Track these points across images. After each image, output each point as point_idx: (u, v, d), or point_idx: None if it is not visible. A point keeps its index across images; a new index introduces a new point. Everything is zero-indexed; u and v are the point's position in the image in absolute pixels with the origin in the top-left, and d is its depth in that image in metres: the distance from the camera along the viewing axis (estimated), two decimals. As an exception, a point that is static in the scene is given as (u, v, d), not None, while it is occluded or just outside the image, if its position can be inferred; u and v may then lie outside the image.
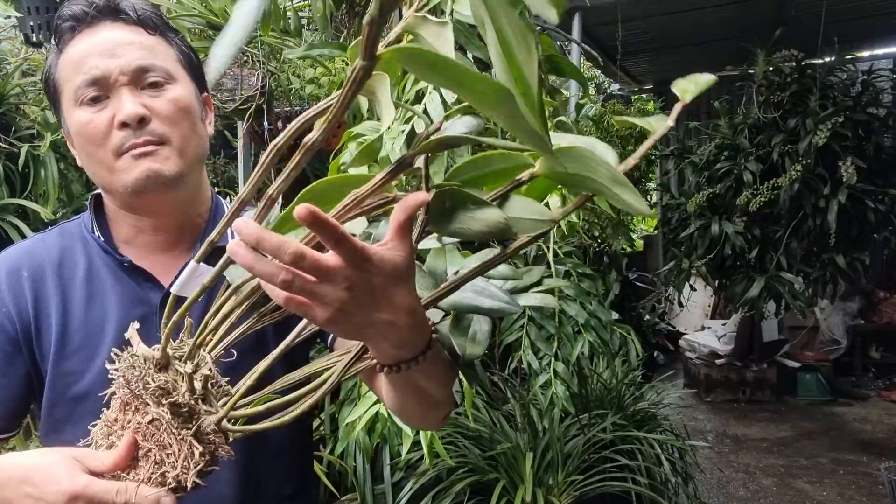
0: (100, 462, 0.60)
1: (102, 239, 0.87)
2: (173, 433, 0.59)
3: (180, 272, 0.79)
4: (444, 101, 1.54)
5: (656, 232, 6.69)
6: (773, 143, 4.45)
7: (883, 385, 5.76)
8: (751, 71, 4.66)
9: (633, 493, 2.48)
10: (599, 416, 2.75)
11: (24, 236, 2.74)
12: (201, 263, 0.64)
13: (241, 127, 2.34)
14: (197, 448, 0.59)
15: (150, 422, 0.60)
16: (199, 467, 0.59)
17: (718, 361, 5.66)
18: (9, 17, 3.15)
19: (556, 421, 2.66)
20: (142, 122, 0.79)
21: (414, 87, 1.65)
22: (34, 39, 2.92)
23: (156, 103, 0.81)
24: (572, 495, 2.40)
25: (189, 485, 0.59)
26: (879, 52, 6.30)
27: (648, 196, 5.41)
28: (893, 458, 3.78)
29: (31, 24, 2.84)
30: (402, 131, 1.61)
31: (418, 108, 1.60)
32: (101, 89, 0.80)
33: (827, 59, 4.56)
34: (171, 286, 0.80)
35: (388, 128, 1.71)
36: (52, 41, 0.86)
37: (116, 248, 0.88)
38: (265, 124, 2.33)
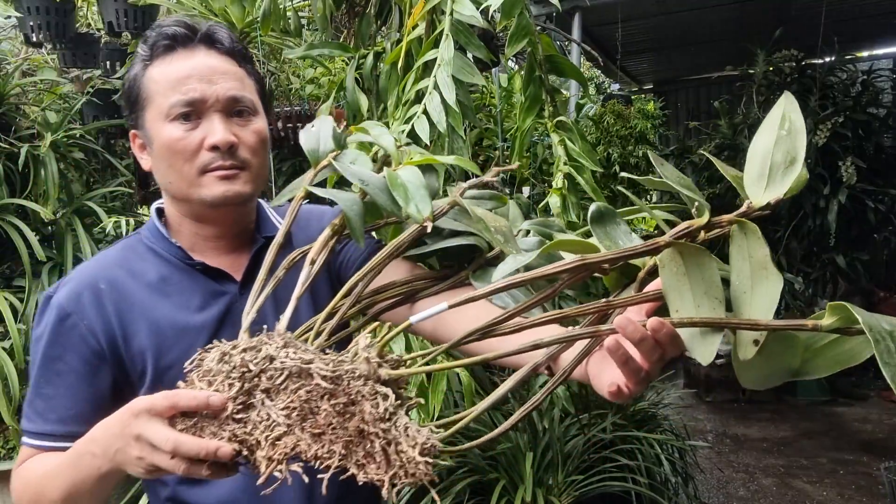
0: (192, 397, 0.64)
1: (179, 244, 0.95)
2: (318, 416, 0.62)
3: (247, 267, 0.94)
4: (444, 102, 1.54)
5: (656, 232, 6.70)
6: (773, 143, 4.46)
7: (883, 385, 5.76)
8: (751, 71, 4.66)
9: (633, 493, 2.48)
10: (599, 416, 2.75)
11: (23, 236, 2.74)
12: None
13: (241, 127, 2.34)
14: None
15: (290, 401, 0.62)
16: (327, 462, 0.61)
17: (718, 361, 5.66)
18: (9, 17, 3.15)
19: (556, 421, 2.66)
20: (231, 148, 0.89)
21: (414, 87, 1.65)
22: (34, 39, 2.92)
23: (243, 133, 0.91)
24: (572, 495, 2.40)
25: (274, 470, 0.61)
26: (879, 52, 6.30)
27: (648, 196, 5.40)
28: (893, 458, 3.78)
29: (31, 24, 2.84)
30: (403, 131, 1.61)
31: (418, 108, 1.59)
32: (195, 110, 0.88)
33: (827, 59, 4.57)
34: (241, 278, 0.94)
35: (389, 127, 1.71)
36: (140, 51, 0.93)
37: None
38: (265, 124, 2.34)
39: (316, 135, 0.89)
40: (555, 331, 0.68)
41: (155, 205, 0.99)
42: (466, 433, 2.68)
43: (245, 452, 0.63)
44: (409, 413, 0.65)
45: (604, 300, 0.65)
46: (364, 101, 2.02)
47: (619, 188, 4.21)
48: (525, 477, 2.35)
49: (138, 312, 0.90)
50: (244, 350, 0.66)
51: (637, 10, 4.64)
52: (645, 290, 0.67)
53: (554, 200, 1.78)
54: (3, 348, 2.61)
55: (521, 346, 0.67)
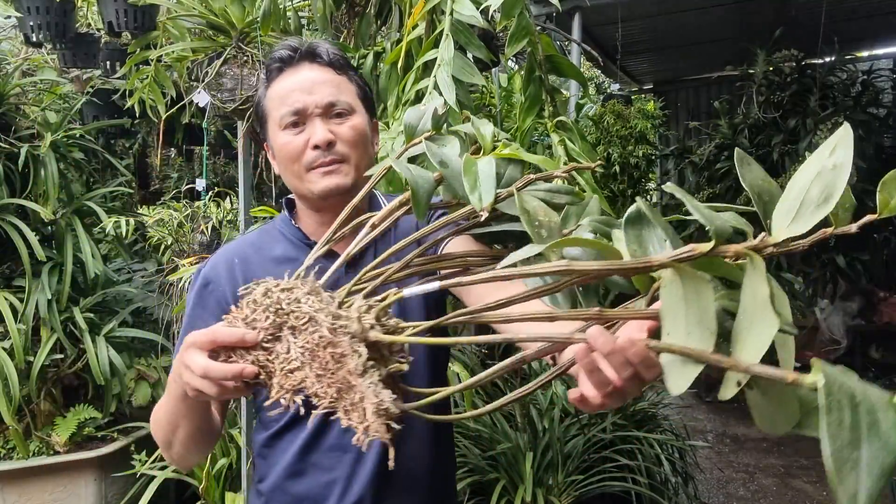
0: (228, 334, 0.75)
1: (300, 228, 1.12)
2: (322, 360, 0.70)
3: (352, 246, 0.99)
4: (444, 102, 1.54)
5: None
6: (773, 143, 4.45)
7: (883, 385, 5.75)
8: (751, 71, 4.66)
9: (633, 492, 2.48)
10: (599, 416, 2.75)
11: (23, 236, 2.74)
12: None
13: (241, 127, 2.34)
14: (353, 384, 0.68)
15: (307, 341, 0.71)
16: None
17: (718, 361, 5.65)
18: (9, 17, 3.15)
19: (556, 421, 2.66)
20: (330, 145, 1.03)
21: (414, 87, 1.65)
22: (34, 39, 2.92)
23: (340, 129, 1.05)
24: (572, 495, 2.40)
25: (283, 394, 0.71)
26: (879, 52, 6.30)
27: (648, 196, 5.40)
28: (893, 458, 3.77)
29: (31, 24, 2.84)
30: (402, 132, 1.61)
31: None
32: (300, 118, 1.04)
33: (827, 59, 4.56)
34: (346, 257, 0.99)
35: (388, 127, 1.71)
36: (262, 75, 1.13)
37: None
38: (265, 124, 2.33)
39: (420, 114, 0.97)
40: (542, 328, 0.70)
41: (287, 198, 1.17)
42: (466, 433, 2.68)
43: (262, 377, 0.73)
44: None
45: (596, 308, 0.64)
46: (364, 101, 2.02)
47: (620, 188, 4.21)
48: (525, 477, 2.36)
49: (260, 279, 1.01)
50: (283, 290, 0.75)
51: (637, 10, 4.64)
52: (649, 308, 0.67)
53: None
54: (3, 348, 2.61)
55: (513, 336, 0.69)
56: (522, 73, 1.86)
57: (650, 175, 4.68)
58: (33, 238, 2.75)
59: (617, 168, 4.16)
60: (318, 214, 1.11)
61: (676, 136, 6.24)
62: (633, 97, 5.23)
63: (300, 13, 2.37)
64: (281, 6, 2.20)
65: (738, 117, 4.77)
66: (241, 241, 1.16)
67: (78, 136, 3.13)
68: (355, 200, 0.90)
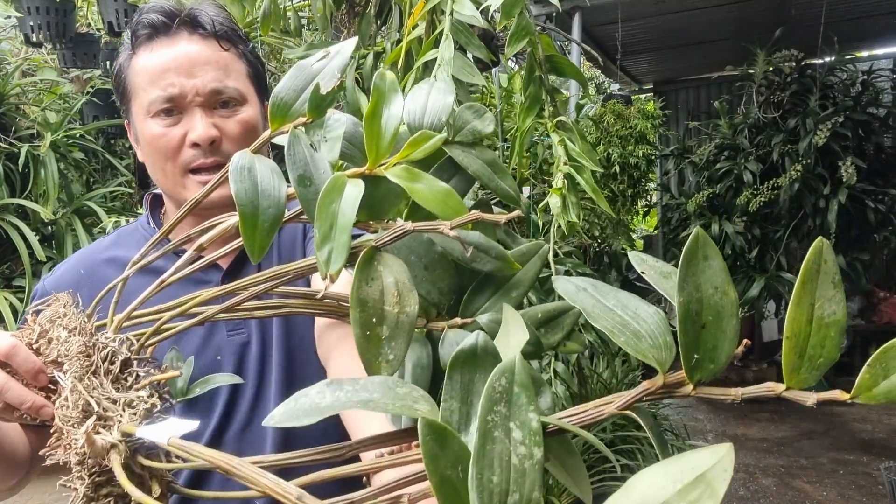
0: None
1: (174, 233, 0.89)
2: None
3: (236, 258, 0.88)
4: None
5: (656, 232, 6.70)
6: (773, 143, 4.45)
7: (883, 385, 5.77)
8: (751, 71, 4.66)
9: (633, 493, 2.48)
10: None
11: (23, 236, 2.74)
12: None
13: (241, 127, 2.34)
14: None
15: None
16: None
17: (718, 361, 5.67)
18: (9, 17, 3.15)
19: (556, 421, 2.66)
20: (213, 143, 0.83)
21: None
22: (34, 39, 2.92)
23: (227, 125, 0.85)
24: (572, 495, 2.40)
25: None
26: (879, 52, 6.29)
27: (648, 196, 5.41)
28: (893, 458, 3.78)
29: (31, 24, 2.84)
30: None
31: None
32: (176, 106, 0.83)
33: (827, 59, 4.57)
34: (226, 269, 0.89)
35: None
36: (125, 39, 0.87)
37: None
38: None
39: (303, 79, 0.58)
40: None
41: (152, 193, 0.96)
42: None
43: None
44: None
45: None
46: (364, 101, 2.02)
47: (620, 188, 4.21)
48: (525, 477, 2.35)
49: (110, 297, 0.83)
50: (69, 328, 0.59)
51: (637, 10, 4.64)
52: None
53: (554, 200, 1.78)
54: (3, 348, 2.62)
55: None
56: (522, 73, 1.86)
57: (650, 175, 4.69)
58: (33, 238, 2.75)
59: (617, 168, 4.16)
60: (194, 220, 0.82)
61: (676, 136, 6.24)
62: (633, 97, 5.23)
63: (300, 13, 2.38)
64: (281, 6, 2.20)
65: (738, 117, 4.77)
66: (93, 248, 0.94)
67: (78, 136, 3.13)
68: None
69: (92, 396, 0.49)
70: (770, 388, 0.43)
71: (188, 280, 0.78)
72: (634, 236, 6.26)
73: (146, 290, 0.70)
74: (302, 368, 0.88)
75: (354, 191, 0.49)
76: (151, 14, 0.84)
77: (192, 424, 0.48)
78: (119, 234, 0.95)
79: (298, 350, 0.89)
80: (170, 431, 0.46)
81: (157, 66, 0.83)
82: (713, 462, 0.31)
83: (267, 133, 0.59)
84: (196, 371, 0.79)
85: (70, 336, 0.58)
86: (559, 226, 2.02)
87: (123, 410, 0.49)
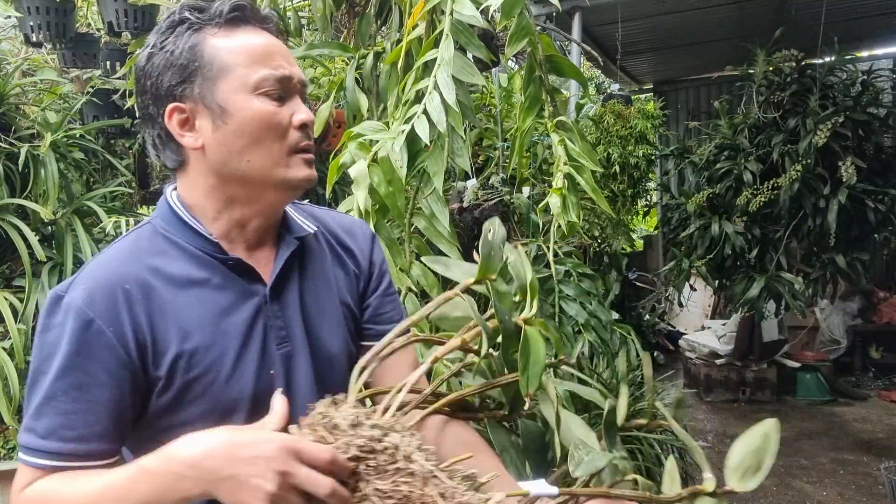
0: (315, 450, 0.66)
1: (214, 236, 0.87)
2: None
3: (280, 272, 0.89)
4: (444, 102, 1.54)
5: (656, 232, 6.70)
6: (773, 143, 4.45)
7: (883, 385, 5.76)
8: (751, 71, 4.66)
9: (633, 493, 2.47)
10: (599, 416, 2.75)
11: (23, 236, 2.74)
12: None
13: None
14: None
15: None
16: None
17: (718, 361, 5.66)
18: (9, 17, 3.15)
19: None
20: (307, 128, 0.87)
21: (414, 86, 1.65)
22: (34, 39, 2.92)
23: (310, 115, 0.88)
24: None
25: None
26: (879, 52, 6.30)
27: (648, 196, 5.41)
28: (893, 458, 3.77)
29: (31, 24, 2.84)
30: (402, 131, 1.61)
31: (418, 108, 1.59)
32: (283, 88, 0.85)
33: (827, 59, 4.56)
34: (272, 282, 0.88)
35: (388, 127, 1.71)
36: (190, 16, 0.85)
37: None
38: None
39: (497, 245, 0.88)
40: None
41: (173, 191, 0.90)
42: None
43: None
44: None
45: None
46: (364, 101, 2.02)
47: (620, 188, 4.21)
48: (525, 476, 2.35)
49: (168, 315, 0.82)
50: (377, 428, 0.68)
51: (637, 10, 4.64)
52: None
53: (554, 200, 1.78)
54: (3, 348, 2.61)
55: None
56: (522, 73, 1.86)
57: (650, 175, 4.69)
58: (33, 238, 2.75)
59: (617, 168, 4.16)
60: (248, 214, 0.88)
61: (676, 136, 6.24)
62: (633, 97, 5.23)
63: (300, 13, 2.38)
64: (281, 6, 2.20)
65: (738, 117, 4.77)
66: (121, 258, 0.85)
67: (78, 136, 3.13)
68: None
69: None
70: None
71: (234, 290, 0.87)
72: (634, 236, 6.27)
73: (196, 302, 0.84)
74: (331, 382, 0.90)
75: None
76: (228, 1, 0.85)
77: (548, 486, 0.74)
78: (137, 241, 0.87)
79: (328, 364, 0.93)
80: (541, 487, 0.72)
81: (262, 48, 0.85)
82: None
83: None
84: (260, 385, 0.85)
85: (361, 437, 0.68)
86: (559, 226, 2.01)
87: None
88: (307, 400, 0.78)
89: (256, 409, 0.81)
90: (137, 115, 0.91)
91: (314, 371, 0.90)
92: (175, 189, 0.90)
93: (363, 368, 0.80)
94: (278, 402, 0.75)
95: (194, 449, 0.68)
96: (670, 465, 0.80)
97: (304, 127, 0.86)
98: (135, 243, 0.86)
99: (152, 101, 0.86)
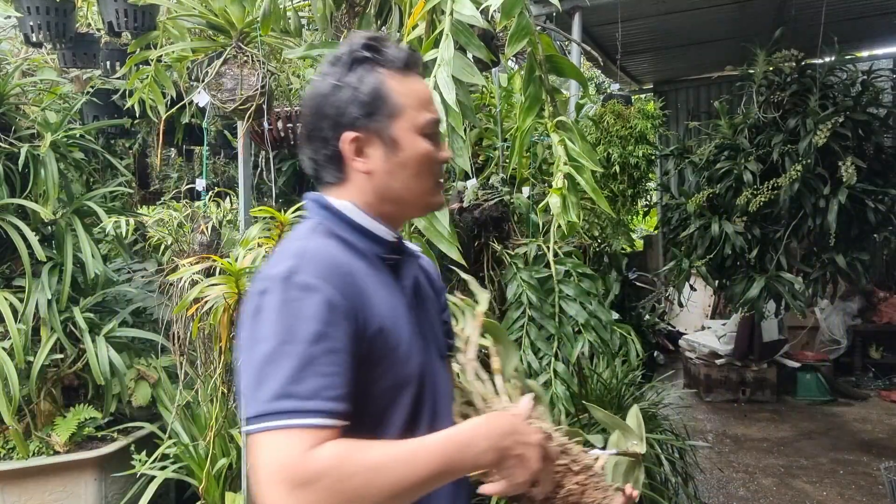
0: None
1: (393, 238, 1.04)
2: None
3: (411, 271, 1.08)
4: (444, 102, 1.54)
5: (656, 232, 6.70)
6: (773, 143, 4.45)
7: (883, 385, 5.77)
8: (751, 71, 4.66)
9: (633, 493, 2.47)
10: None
11: (23, 236, 2.74)
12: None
13: (241, 127, 2.34)
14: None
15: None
16: None
17: (718, 361, 5.66)
18: (9, 17, 3.15)
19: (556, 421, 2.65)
20: (444, 163, 1.06)
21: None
22: (34, 39, 2.92)
23: (450, 155, 1.09)
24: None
25: None
26: (879, 52, 6.30)
27: (648, 196, 5.40)
28: (893, 458, 3.78)
29: (31, 24, 2.84)
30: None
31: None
32: (435, 131, 1.03)
33: (827, 59, 4.56)
34: (412, 281, 1.06)
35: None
36: (372, 55, 0.99)
37: None
38: (265, 124, 2.33)
39: None
40: None
41: (347, 201, 1.01)
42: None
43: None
44: None
45: None
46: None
47: (620, 188, 4.21)
48: (525, 477, 2.35)
49: (372, 296, 0.94)
50: (578, 463, 1.02)
51: (637, 10, 4.64)
52: None
53: (554, 200, 1.78)
54: (3, 348, 2.61)
55: None
56: (522, 73, 1.86)
57: (650, 175, 4.69)
58: (33, 238, 2.75)
59: (617, 168, 4.16)
60: (394, 228, 1.05)
61: (676, 136, 6.24)
62: (633, 97, 5.23)
63: (300, 13, 2.38)
64: (281, 6, 2.20)
65: (738, 117, 4.77)
66: (331, 251, 0.95)
67: (78, 136, 3.13)
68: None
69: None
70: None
71: (398, 290, 1.03)
72: (634, 236, 6.26)
73: (381, 289, 0.97)
74: None
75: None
76: (408, 50, 1.02)
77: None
78: (327, 236, 0.98)
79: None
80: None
81: (426, 94, 1.03)
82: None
83: None
84: (424, 364, 0.99)
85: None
86: (559, 226, 2.01)
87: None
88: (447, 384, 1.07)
89: (421, 385, 0.98)
90: (303, 133, 1.03)
91: (441, 356, 1.09)
92: (327, 199, 1.03)
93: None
94: (527, 400, 1.00)
95: (495, 429, 0.89)
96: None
97: (444, 163, 1.05)
98: (325, 237, 0.98)
99: (330, 127, 0.99)
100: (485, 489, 0.92)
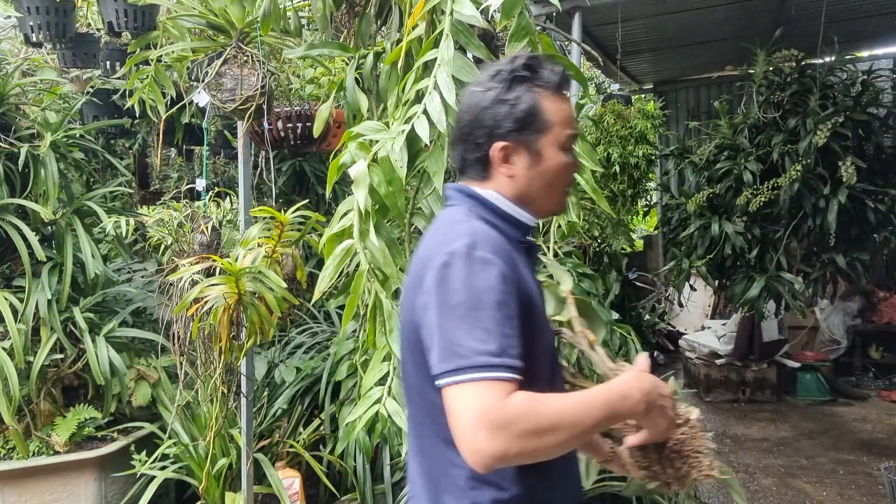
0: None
1: (534, 223, 1.18)
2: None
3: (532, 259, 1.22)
4: (444, 102, 1.54)
5: (656, 232, 6.70)
6: (773, 143, 4.45)
7: (883, 385, 5.76)
8: (751, 71, 4.65)
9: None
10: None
11: (23, 236, 2.74)
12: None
13: (241, 127, 2.34)
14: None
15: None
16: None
17: (718, 361, 5.66)
18: (9, 17, 3.15)
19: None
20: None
21: (414, 86, 1.65)
22: (34, 39, 2.91)
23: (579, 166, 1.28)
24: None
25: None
26: (879, 52, 6.30)
27: (648, 196, 5.40)
28: (893, 458, 3.78)
29: (31, 24, 2.84)
30: (402, 131, 1.61)
31: (418, 108, 1.59)
32: (572, 145, 1.16)
33: (827, 59, 4.56)
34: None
35: (388, 127, 1.71)
36: (528, 74, 1.11)
37: None
38: (265, 124, 2.33)
39: None
40: None
41: (496, 193, 1.14)
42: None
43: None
44: None
45: None
46: (364, 101, 2.02)
47: (620, 188, 4.21)
48: (525, 477, 2.35)
49: (522, 273, 1.08)
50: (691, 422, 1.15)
51: (637, 10, 4.64)
52: None
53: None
54: (3, 348, 2.61)
55: None
56: (522, 73, 1.86)
57: (650, 175, 4.69)
58: (33, 238, 2.75)
59: (617, 168, 4.16)
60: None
61: (676, 136, 6.24)
62: (633, 97, 5.23)
63: (300, 13, 2.38)
64: (281, 6, 2.20)
65: (738, 117, 4.77)
66: (494, 233, 1.09)
67: (78, 136, 3.13)
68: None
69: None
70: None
71: (530, 267, 1.16)
72: (634, 236, 6.27)
73: (527, 269, 1.12)
74: None
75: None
76: (563, 72, 1.14)
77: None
78: (483, 222, 1.10)
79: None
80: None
81: (571, 113, 1.15)
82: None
83: None
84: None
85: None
86: (559, 226, 2.01)
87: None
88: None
89: (553, 352, 1.19)
90: (457, 134, 1.17)
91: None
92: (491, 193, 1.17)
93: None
94: (644, 358, 1.11)
95: (644, 384, 1.02)
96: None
97: (575, 172, 1.21)
98: (479, 221, 1.09)
99: (485, 135, 1.12)
100: (631, 440, 1.09)
